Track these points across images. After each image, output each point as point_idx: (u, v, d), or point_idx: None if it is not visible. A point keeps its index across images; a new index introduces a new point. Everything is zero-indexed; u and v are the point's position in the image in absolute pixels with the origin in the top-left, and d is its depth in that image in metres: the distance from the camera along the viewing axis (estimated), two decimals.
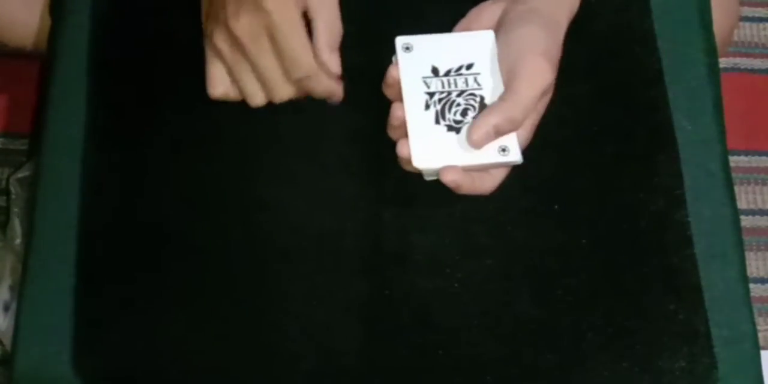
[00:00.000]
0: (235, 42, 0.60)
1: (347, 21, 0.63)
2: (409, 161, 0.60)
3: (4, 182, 1.12)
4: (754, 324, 0.64)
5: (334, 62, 0.63)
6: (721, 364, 0.62)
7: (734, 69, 1.34)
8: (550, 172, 0.66)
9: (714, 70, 0.70)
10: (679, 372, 0.62)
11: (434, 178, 0.61)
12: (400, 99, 0.61)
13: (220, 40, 0.61)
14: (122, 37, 0.68)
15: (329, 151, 0.66)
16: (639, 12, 0.70)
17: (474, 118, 0.60)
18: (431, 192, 0.65)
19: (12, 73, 1.19)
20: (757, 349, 0.64)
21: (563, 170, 0.66)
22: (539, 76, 0.59)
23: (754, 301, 0.67)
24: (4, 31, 0.85)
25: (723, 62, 0.76)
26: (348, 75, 0.65)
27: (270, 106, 0.63)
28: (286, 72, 0.61)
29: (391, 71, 0.62)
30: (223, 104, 0.66)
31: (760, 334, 0.65)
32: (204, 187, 0.65)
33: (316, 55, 0.62)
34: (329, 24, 0.62)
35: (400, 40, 0.62)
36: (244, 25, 0.59)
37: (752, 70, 1.34)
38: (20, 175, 1.09)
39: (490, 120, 0.59)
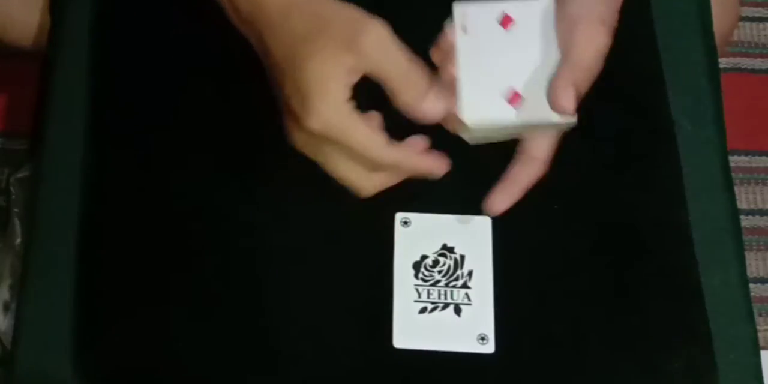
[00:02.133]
0: (318, 138, 0.55)
1: None
2: (459, 121, 0.56)
3: (4, 182, 1.12)
4: (754, 324, 0.64)
5: (432, 111, 0.55)
6: (721, 364, 0.62)
7: (734, 69, 1.34)
8: (550, 172, 0.66)
9: (714, 70, 0.70)
10: (679, 372, 0.62)
11: (480, 141, 0.59)
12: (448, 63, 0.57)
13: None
14: (122, 37, 0.68)
15: None
16: (639, 12, 0.70)
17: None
18: (432, 192, 0.65)
19: (12, 73, 1.19)
20: (757, 349, 0.64)
21: (563, 170, 0.66)
22: (595, 40, 0.57)
23: (754, 301, 0.67)
24: (4, 30, 0.85)
25: (723, 62, 0.76)
26: None
27: (273, 106, 0.63)
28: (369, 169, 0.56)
29: (447, 34, 0.58)
30: (223, 105, 0.66)
31: (760, 334, 0.65)
32: (204, 187, 0.65)
33: (411, 115, 0.55)
34: (401, 77, 0.54)
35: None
36: (299, 144, 0.56)
37: (752, 70, 1.35)
38: (20, 175, 1.09)
39: (566, 79, 0.56)
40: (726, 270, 0.65)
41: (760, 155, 1.31)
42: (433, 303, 0.61)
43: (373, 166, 0.56)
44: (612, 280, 0.64)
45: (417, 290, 0.62)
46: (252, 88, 0.61)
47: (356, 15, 0.55)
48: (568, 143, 0.67)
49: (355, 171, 0.57)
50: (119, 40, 0.68)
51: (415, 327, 0.61)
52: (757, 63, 1.35)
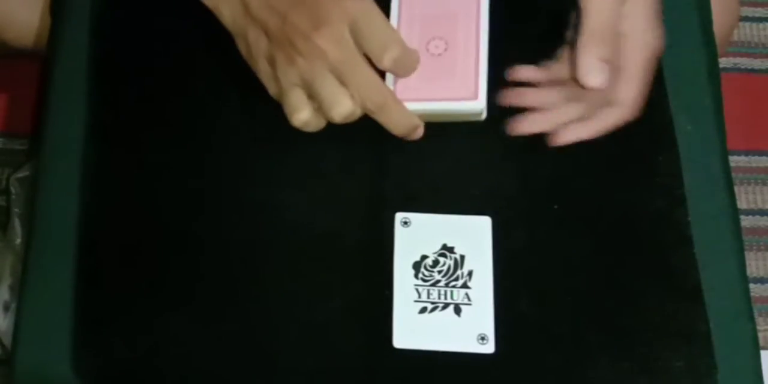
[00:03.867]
0: (317, 54, 0.57)
1: None
2: None
3: (4, 182, 1.12)
4: (754, 324, 0.64)
5: (395, 63, 0.59)
6: (721, 364, 0.62)
7: (734, 69, 1.34)
8: (550, 172, 0.66)
9: (714, 70, 0.70)
10: (679, 372, 0.62)
11: None
12: None
13: (295, 64, 0.58)
14: (122, 37, 0.68)
15: (330, 150, 0.66)
16: None
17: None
18: (431, 192, 0.65)
19: (12, 73, 1.19)
20: (757, 349, 0.64)
21: (563, 170, 0.66)
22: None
23: (754, 301, 0.67)
24: (4, 30, 0.85)
25: (723, 62, 0.76)
26: None
27: (272, 104, 0.63)
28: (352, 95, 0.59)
29: None
30: (223, 104, 0.66)
31: (760, 334, 0.65)
32: (204, 187, 0.65)
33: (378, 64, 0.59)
34: (381, 41, 0.59)
35: None
36: (328, 34, 0.57)
37: (752, 70, 1.35)
38: (20, 175, 1.09)
39: (591, 52, 0.60)
40: (726, 270, 0.65)
41: (760, 155, 1.31)
42: (433, 303, 0.61)
43: (363, 89, 0.58)
44: (612, 280, 0.64)
45: (417, 290, 0.62)
46: (251, 87, 0.61)
47: None
48: (569, 143, 0.67)
49: (373, 73, 0.58)
50: (119, 40, 0.68)
51: (415, 327, 0.61)
52: (757, 63, 1.35)
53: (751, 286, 0.68)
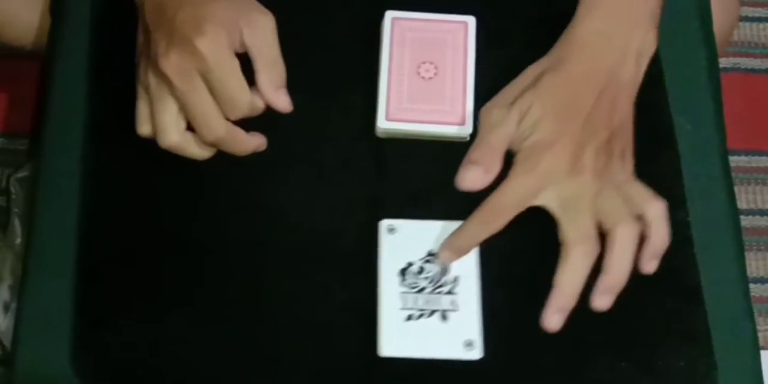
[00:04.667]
0: (163, 79, 0.59)
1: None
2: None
3: (4, 182, 1.12)
4: (754, 324, 0.64)
5: (281, 100, 0.62)
6: (721, 364, 0.62)
7: (734, 69, 1.34)
8: None
9: (714, 70, 0.70)
10: (679, 372, 0.62)
11: (386, 136, 0.65)
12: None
13: (148, 77, 0.60)
14: (122, 37, 0.68)
15: (329, 151, 0.66)
16: None
17: None
18: (431, 192, 0.65)
19: (12, 73, 1.19)
20: (757, 349, 0.64)
21: None
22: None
23: (754, 301, 0.67)
24: (4, 30, 0.85)
25: (723, 62, 0.76)
26: (345, 74, 0.65)
27: (271, 110, 0.63)
28: (224, 112, 0.60)
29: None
30: None
31: (760, 334, 0.65)
32: (204, 187, 0.65)
33: (262, 96, 0.61)
34: (270, 61, 0.61)
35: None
36: (173, 63, 0.58)
37: (752, 70, 1.35)
38: (20, 175, 1.09)
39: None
40: (726, 270, 0.65)
41: (760, 155, 1.31)
42: (419, 310, 0.61)
43: (228, 110, 0.60)
44: None
45: (403, 297, 0.62)
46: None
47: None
48: None
49: (213, 108, 0.60)
50: (119, 40, 0.68)
51: (402, 335, 0.61)
52: (757, 63, 1.35)
53: (751, 286, 0.68)
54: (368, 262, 0.63)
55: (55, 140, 0.67)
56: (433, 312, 0.61)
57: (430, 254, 0.62)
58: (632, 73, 0.63)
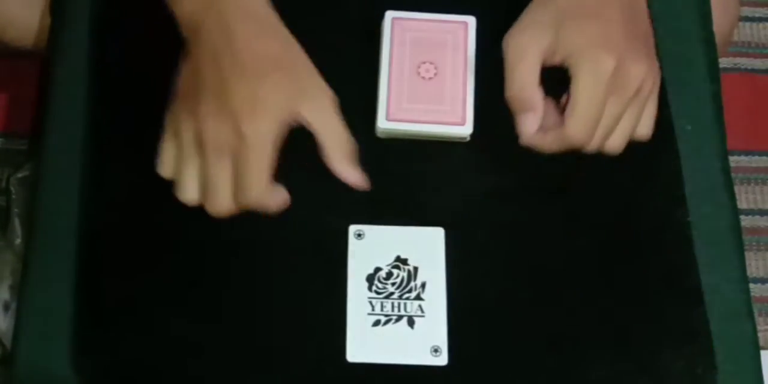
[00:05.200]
0: (197, 139, 0.58)
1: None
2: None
3: (4, 182, 1.12)
4: (754, 324, 0.64)
5: (354, 176, 0.61)
6: (721, 364, 0.62)
7: (734, 69, 1.34)
8: (550, 172, 0.66)
9: (714, 70, 0.70)
10: (679, 372, 0.62)
11: (387, 136, 0.65)
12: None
13: (184, 130, 0.59)
14: (122, 37, 0.68)
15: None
16: None
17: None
18: (431, 191, 0.65)
19: (12, 73, 1.19)
20: (757, 349, 0.64)
21: (563, 170, 0.66)
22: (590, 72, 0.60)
23: (754, 301, 0.67)
24: (4, 30, 0.85)
25: (723, 62, 0.76)
26: (345, 74, 0.65)
27: None
28: (234, 191, 0.59)
29: None
30: None
31: (760, 334, 0.65)
32: None
33: (334, 171, 0.60)
34: (336, 138, 0.60)
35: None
36: (214, 136, 0.57)
37: (752, 70, 1.34)
38: (20, 175, 1.09)
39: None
40: (726, 270, 0.65)
41: (760, 155, 1.31)
42: (386, 315, 0.61)
43: (238, 193, 0.58)
44: (612, 280, 0.64)
45: (371, 303, 0.61)
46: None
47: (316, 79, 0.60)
48: None
49: (227, 188, 0.58)
50: (119, 41, 0.68)
51: (369, 340, 0.61)
52: (757, 63, 1.35)
53: (751, 286, 0.68)
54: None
55: (55, 140, 0.67)
56: (400, 318, 0.61)
57: (398, 260, 0.62)
58: None
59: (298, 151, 0.64)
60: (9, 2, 0.84)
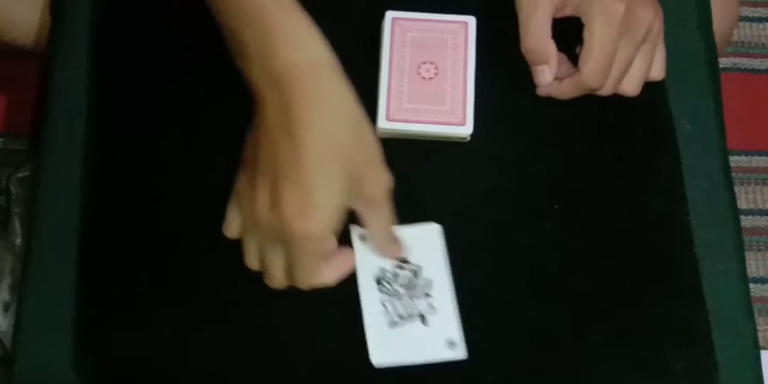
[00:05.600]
0: (255, 221, 0.57)
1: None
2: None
3: (4, 182, 1.12)
4: (754, 324, 0.64)
5: (393, 252, 0.62)
6: (721, 364, 0.62)
7: (734, 69, 1.34)
8: (551, 172, 0.66)
9: (714, 70, 0.70)
10: (679, 372, 0.62)
11: (387, 136, 0.64)
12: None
13: (246, 202, 0.57)
14: (122, 37, 0.68)
15: None
16: None
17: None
18: (432, 190, 0.65)
19: (12, 73, 1.19)
20: (757, 349, 0.64)
21: (563, 170, 0.66)
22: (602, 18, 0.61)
23: (754, 301, 0.67)
24: (4, 30, 0.85)
25: (723, 62, 0.76)
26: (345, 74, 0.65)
27: None
28: (287, 274, 0.59)
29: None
30: (222, 105, 0.66)
31: (760, 334, 0.65)
32: (204, 187, 0.65)
33: (376, 245, 0.61)
34: (383, 215, 0.59)
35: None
36: (266, 223, 0.56)
37: (752, 70, 1.35)
38: (20, 175, 1.09)
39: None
40: (726, 270, 0.65)
41: (760, 155, 1.31)
42: (399, 316, 0.61)
43: (292, 282, 0.59)
44: (612, 280, 0.64)
45: (383, 304, 0.62)
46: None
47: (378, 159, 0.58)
48: (569, 144, 0.67)
49: (281, 268, 0.58)
50: (119, 40, 0.68)
51: (389, 342, 0.61)
52: (757, 63, 1.35)
53: (751, 286, 0.68)
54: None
55: (55, 140, 0.67)
56: (413, 316, 0.61)
57: (401, 260, 0.63)
58: None
59: None
60: (9, 2, 0.84)
